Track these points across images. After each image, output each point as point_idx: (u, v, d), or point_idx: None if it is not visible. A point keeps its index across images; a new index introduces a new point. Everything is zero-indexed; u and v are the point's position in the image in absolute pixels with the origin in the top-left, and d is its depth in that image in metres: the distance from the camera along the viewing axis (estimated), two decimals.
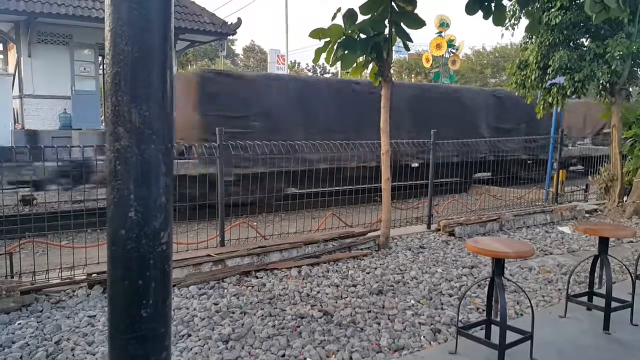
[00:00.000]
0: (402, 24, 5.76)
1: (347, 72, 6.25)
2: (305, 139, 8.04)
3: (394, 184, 7.48)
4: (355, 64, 5.95)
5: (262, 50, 50.55)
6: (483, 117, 13.84)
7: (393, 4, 5.62)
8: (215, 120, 9.04)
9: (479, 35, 74.96)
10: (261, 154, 6.73)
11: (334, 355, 3.51)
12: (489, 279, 3.52)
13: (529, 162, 14.04)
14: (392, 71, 6.28)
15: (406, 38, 5.94)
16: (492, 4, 5.31)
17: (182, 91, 9.92)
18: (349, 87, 11.54)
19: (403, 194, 9.59)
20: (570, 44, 9.20)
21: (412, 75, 44.34)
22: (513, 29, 9.57)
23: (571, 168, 14.99)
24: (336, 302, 4.47)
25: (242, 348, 3.61)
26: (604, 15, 4.66)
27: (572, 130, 16.59)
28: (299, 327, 3.94)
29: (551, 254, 6.47)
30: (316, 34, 5.55)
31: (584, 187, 10.92)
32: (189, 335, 3.79)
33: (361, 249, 6.15)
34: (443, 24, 20.82)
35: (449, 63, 21.68)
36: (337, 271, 5.43)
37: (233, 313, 4.20)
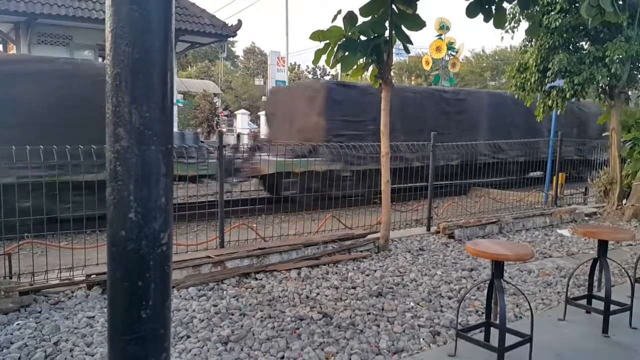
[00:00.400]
0: (402, 26, 5.77)
1: (347, 75, 6.25)
2: (405, 139, 9.87)
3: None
4: (355, 66, 5.96)
5: (262, 52, 50.66)
6: (545, 124, 14.14)
7: (393, 6, 5.63)
8: (338, 124, 10.98)
9: (478, 38, 75.11)
10: (369, 153, 8.07)
11: (333, 357, 3.51)
12: (488, 282, 3.52)
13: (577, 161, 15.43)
14: (392, 73, 6.28)
15: (406, 41, 5.94)
16: (493, 7, 5.33)
17: (308, 98, 11.50)
18: (437, 94, 13.22)
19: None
20: (570, 47, 9.21)
21: (412, 78, 44.39)
22: (513, 31, 9.59)
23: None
24: (335, 304, 4.47)
25: (241, 350, 3.61)
26: (600, 19, 4.69)
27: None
28: (298, 329, 3.94)
29: (550, 256, 6.47)
30: (317, 36, 5.56)
31: (584, 190, 10.93)
32: (188, 337, 3.79)
33: (361, 251, 6.14)
34: (443, 27, 20.84)
35: (449, 66, 21.68)
36: (336, 273, 5.43)
37: (232, 315, 4.20)
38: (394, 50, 6.22)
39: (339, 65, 5.97)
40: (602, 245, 4.08)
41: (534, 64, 9.24)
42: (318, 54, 5.72)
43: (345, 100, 11.27)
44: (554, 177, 10.21)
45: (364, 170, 9.50)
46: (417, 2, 5.64)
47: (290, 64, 36.93)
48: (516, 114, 14.19)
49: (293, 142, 9.82)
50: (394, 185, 8.95)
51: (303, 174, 8.91)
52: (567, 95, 8.92)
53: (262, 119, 21.79)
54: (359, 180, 9.22)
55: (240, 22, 16.38)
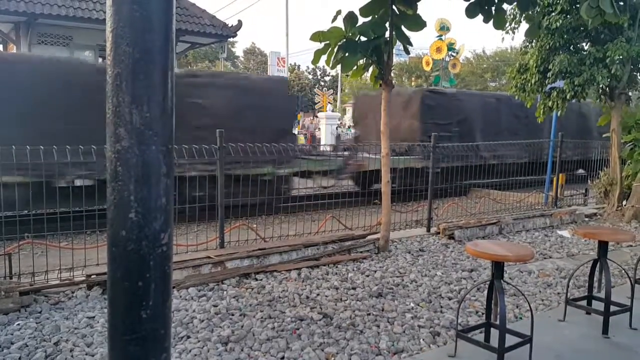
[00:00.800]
0: (402, 27, 5.77)
1: (347, 75, 6.26)
2: (484, 140, 12.41)
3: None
4: (355, 67, 5.96)
5: (262, 53, 50.59)
6: (593, 125, 15.24)
7: (393, 7, 5.63)
8: (430, 126, 12.30)
9: (479, 38, 75.10)
10: (455, 152, 9.42)
11: (333, 358, 3.51)
12: (488, 282, 3.52)
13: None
14: (392, 74, 6.28)
15: (406, 41, 5.95)
16: (492, 8, 5.34)
17: (404, 103, 13.08)
18: (508, 100, 13.71)
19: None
20: (571, 48, 9.20)
21: (413, 79, 44.39)
22: (513, 32, 9.57)
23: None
24: (336, 305, 4.47)
25: (242, 350, 3.61)
26: (599, 20, 4.70)
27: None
28: (298, 329, 3.94)
29: (550, 257, 6.47)
30: (317, 36, 5.56)
31: (584, 191, 10.93)
32: (188, 337, 3.79)
33: (361, 252, 6.14)
34: (443, 28, 20.83)
35: (449, 66, 21.67)
36: (336, 274, 5.43)
37: (232, 315, 4.20)
38: (394, 51, 6.22)
39: (339, 66, 5.96)
40: (602, 246, 4.08)
41: (535, 65, 9.24)
42: (318, 54, 5.72)
43: (436, 105, 12.94)
44: (554, 178, 10.22)
45: (449, 167, 10.61)
46: (418, 3, 5.65)
47: (290, 64, 36.93)
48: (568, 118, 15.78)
49: (393, 143, 10.86)
50: (474, 181, 11.25)
51: (402, 169, 10.96)
52: (568, 96, 8.91)
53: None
54: (444, 175, 10.47)
55: (240, 23, 16.39)
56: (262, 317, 4.14)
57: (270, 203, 8.10)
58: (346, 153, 11.43)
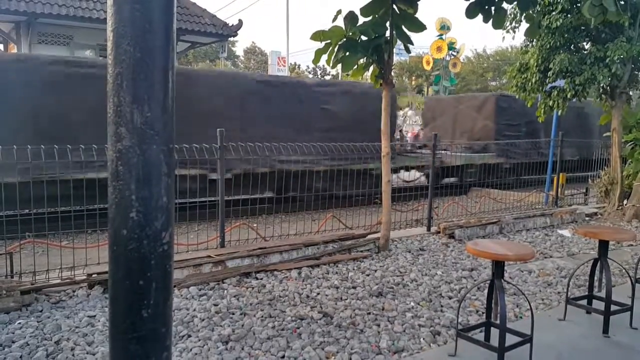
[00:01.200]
0: (402, 27, 5.77)
1: (348, 74, 6.26)
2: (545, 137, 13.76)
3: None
4: (356, 66, 5.96)
5: (262, 52, 50.58)
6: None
7: (394, 6, 5.63)
8: (503, 127, 14.21)
9: (480, 38, 75.02)
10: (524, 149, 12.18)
11: (333, 357, 3.52)
12: (488, 282, 3.53)
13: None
14: (392, 73, 6.28)
15: (407, 41, 5.94)
16: (492, 8, 5.33)
17: (479, 107, 14.78)
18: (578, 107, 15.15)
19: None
20: (571, 47, 9.20)
21: (413, 78, 44.35)
22: (514, 32, 9.58)
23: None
24: (336, 304, 4.47)
25: (242, 349, 3.61)
26: (602, 18, 4.70)
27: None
28: (298, 328, 3.94)
29: (551, 257, 6.47)
30: (317, 36, 5.56)
31: (584, 190, 10.93)
32: (189, 336, 3.79)
33: (361, 251, 6.15)
34: (444, 27, 20.84)
35: (450, 66, 21.68)
36: (337, 273, 5.43)
37: (233, 314, 4.20)
38: (394, 50, 6.21)
39: (339, 65, 5.96)
40: (603, 246, 4.08)
41: (535, 64, 9.24)
42: (318, 53, 5.72)
43: (508, 107, 14.41)
44: (554, 178, 10.22)
45: (519, 163, 12.11)
46: (418, 2, 5.65)
47: (291, 63, 36.91)
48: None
49: (472, 142, 13.59)
50: (530, 177, 12.43)
51: (479, 165, 12.96)
52: (568, 96, 8.91)
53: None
54: (513, 170, 12.06)
55: (240, 22, 16.39)
56: (262, 316, 4.14)
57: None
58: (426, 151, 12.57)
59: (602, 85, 8.91)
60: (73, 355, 3.48)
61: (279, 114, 9.94)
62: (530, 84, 9.45)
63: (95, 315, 4.13)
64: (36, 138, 6.54)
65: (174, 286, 4.63)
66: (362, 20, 5.61)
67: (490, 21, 5.39)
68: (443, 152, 11.88)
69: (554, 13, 8.79)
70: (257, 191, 8.83)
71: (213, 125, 6.33)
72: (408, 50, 6.33)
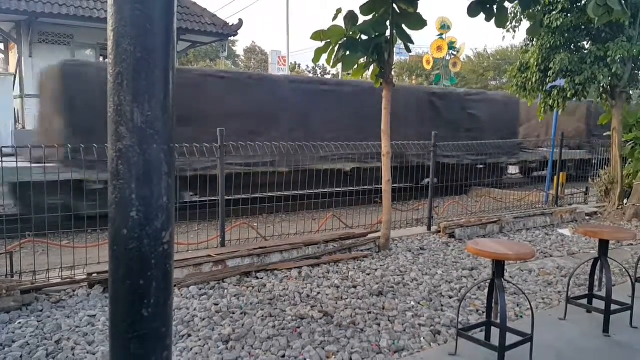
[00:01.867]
0: (403, 26, 5.76)
1: (348, 74, 6.25)
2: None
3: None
4: (356, 65, 5.96)
5: (263, 52, 50.56)
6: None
7: (394, 5, 5.63)
8: (592, 128, 15.87)
9: (480, 37, 74.90)
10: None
11: (334, 356, 3.52)
12: (489, 281, 3.53)
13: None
14: (393, 73, 6.28)
15: (407, 40, 5.94)
16: (494, 7, 5.33)
17: (573, 112, 15.85)
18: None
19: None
20: (571, 46, 9.19)
21: (413, 77, 44.32)
22: (514, 31, 9.56)
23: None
24: (336, 303, 4.47)
25: (242, 348, 3.61)
26: (607, 18, 4.67)
27: None
28: (299, 327, 3.94)
29: (551, 256, 6.47)
30: (318, 35, 5.56)
31: (584, 190, 10.93)
32: (189, 336, 3.79)
33: (361, 251, 6.15)
34: (444, 26, 20.80)
35: (450, 65, 21.64)
36: (337, 272, 5.43)
37: (233, 313, 4.20)
38: (395, 49, 6.21)
39: (339, 65, 5.96)
40: (603, 245, 4.08)
41: (535, 63, 9.23)
42: (319, 52, 5.71)
43: (595, 112, 15.65)
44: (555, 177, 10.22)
45: (603, 158, 12.98)
46: (418, 1, 5.64)
47: (291, 63, 36.91)
48: None
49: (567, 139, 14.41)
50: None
51: (576, 160, 15.03)
52: (569, 95, 8.90)
53: None
54: (599, 164, 13.00)
55: (241, 22, 16.39)
56: (262, 316, 4.15)
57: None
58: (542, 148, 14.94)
59: (602, 84, 8.90)
60: (73, 354, 3.48)
61: (444, 119, 12.46)
62: (530, 83, 9.44)
63: (95, 315, 4.13)
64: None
65: (175, 285, 4.64)
66: (362, 19, 5.61)
67: (493, 20, 5.38)
68: (544, 149, 14.46)
69: (554, 12, 8.78)
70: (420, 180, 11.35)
71: (404, 126, 9.90)
72: (408, 50, 6.33)
